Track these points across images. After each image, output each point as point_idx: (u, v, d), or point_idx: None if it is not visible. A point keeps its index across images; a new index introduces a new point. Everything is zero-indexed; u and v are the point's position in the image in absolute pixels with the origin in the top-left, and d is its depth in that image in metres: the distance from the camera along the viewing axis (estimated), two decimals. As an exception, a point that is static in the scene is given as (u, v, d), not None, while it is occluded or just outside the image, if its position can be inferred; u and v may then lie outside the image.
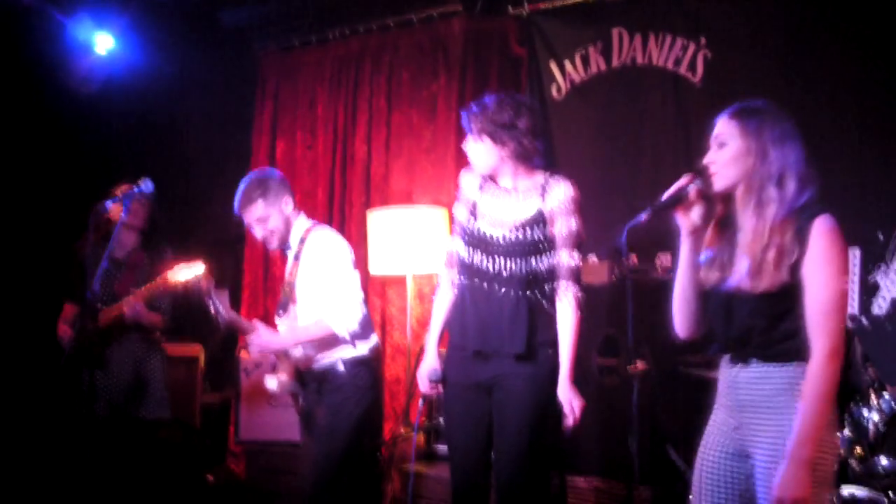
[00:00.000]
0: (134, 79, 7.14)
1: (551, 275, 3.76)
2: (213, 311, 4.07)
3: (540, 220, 3.75)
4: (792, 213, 2.72)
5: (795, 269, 2.68)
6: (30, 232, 6.73)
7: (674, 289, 2.99)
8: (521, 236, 3.76)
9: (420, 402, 4.06)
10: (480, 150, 3.81)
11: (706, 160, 2.87)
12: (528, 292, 3.73)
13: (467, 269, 3.87)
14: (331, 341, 4.16)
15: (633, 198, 5.65)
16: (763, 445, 2.74)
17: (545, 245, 3.76)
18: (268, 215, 4.21)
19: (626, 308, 4.85)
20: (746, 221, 2.78)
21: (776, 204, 2.73)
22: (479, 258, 3.82)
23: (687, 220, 2.88)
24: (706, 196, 2.85)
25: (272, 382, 4.21)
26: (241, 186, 4.29)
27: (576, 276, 3.77)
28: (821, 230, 2.68)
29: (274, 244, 4.28)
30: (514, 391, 3.70)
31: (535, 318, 3.73)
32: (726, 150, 2.82)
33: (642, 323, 4.79)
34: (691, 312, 2.98)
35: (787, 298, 2.70)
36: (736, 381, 2.84)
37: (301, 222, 4.32)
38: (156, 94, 7.32)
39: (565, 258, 3.76)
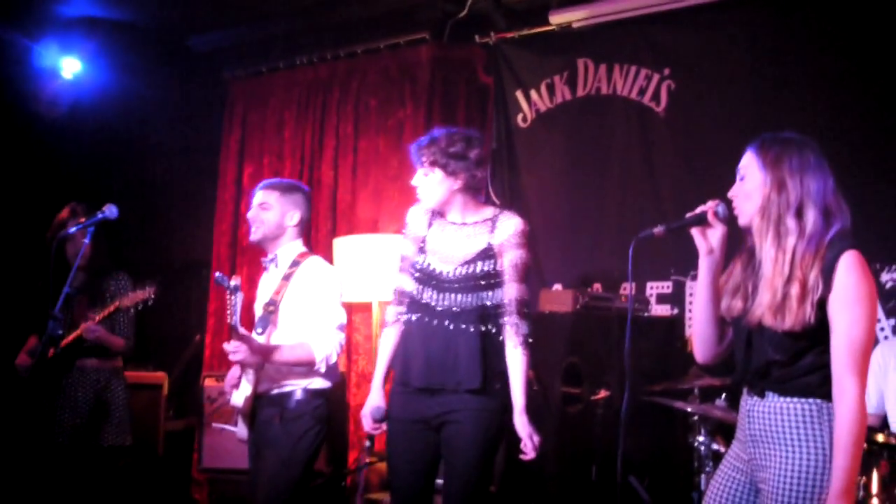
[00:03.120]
0: (101, 103, 7.15)
1: (501, 309, 3.73)
2: (229, 310, 3.98)
3: (490, 254, 3.72)
4: (818, 247, 2.64)
5: (821, 306, 2.60)
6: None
7: (693, 312, 2.96)
8: (470, 271, 3.72)
9: (367, 441, 4.02)
10: (431, 183, 3.77)
11: (729, 193, 2.84)
12: (480, 326, 3.70)
13: (416, 305, 3.83)
14: (298, 369, 4.13)
15: (599, 225, 5.70)
16: (772, 481, 2.67)
17: (495, 280, 3.73)
18: (271, 207, 4.20)
19: (590, 336, 4.91)
20: (766, 254, 2.71)
21: (795, 236, 2.66)
22: (428, 294, 3.78)
23: (704, 240, 2.85)
24: (729, 222, 2.82)
25: (238, 397, 4.14)
26: (281, 178, 4.49)
27: (522, 310, 3.72)
28: (848, 267, 2.59)
29: (256, 234, 4.22)
30: (463, 426, 3.65)
31: (488, 351, 3.70)
32: (746, 182, 2.78)
33: (606, 351, 4.85)
34: (708, 336, 2.93)
35: (810, 335, 2.63)
36: (750, 413, 2.79)
37: (296, 245, 4.29)
38: (123, 118, 7.32)
39: (512, 291, 3.72)
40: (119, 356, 5.12)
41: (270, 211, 4.21)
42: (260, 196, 4.25)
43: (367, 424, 3.93)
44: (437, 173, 3.74)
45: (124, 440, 5.05)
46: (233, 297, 3.91)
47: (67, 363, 4.89)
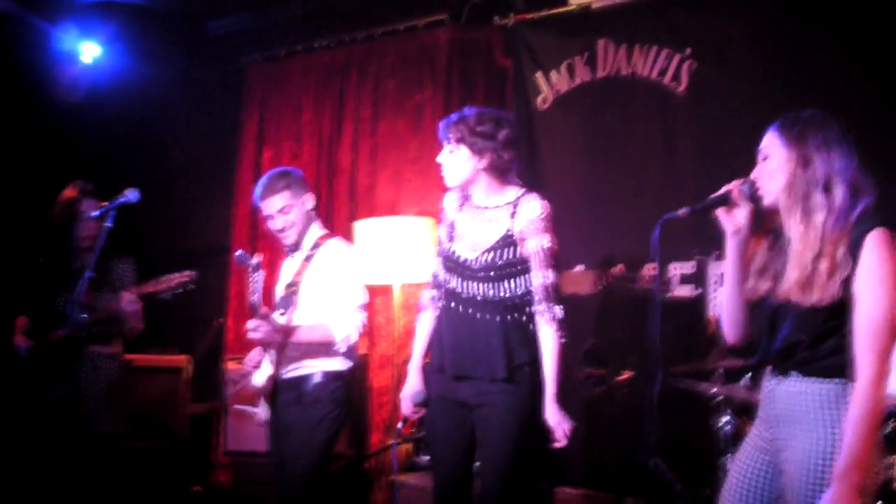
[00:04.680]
0: (119, 88, 7.14)
1: (528, 297, 3.70)
2: (251, 287, 3.98)
3: (510, 241, 3.69)
4: (846, 224, 2.63)
5: (847, 284, 2.59)
6: (13, 242, 6.68)
7: (721, 292, 2.94)
8: (491, 260, 3.70)
9: (400, 424, 4.02)
10: (456, 160, 3.75)
11: (753, 174, 2.82)
12: (506, 316, 3.68)
13: (445, 291, 3.83)
14: (318, 350, 4.13)
15: (620, 206, 5.68)
16: (794, 463, 2.66)
17: (518, 267, 3.70)
18: (290, 207, 4.18)
19: (612, 318, 4.91)
20: (795, 230, 2.70)
21: (824, 211, 2.65)
22: (455, 282, 3.77)
23: (731, 220, 2.82)
24: (755, 200, 2.80)
25: (259, 377, 4.15)
26: (264, 179, 4.26)
27: (553, 295, 3.69)
28: (875, 244, 2.58)
29: (292, 237, 4.22)
30: (495, 410, 3.65)
31: (512, 341, 3.67)
32: (769, 161, 2.77)
33: (629, 332, 4.84)
34: (737, 316, 2.91)
35: (835, 314, 2.62)
36: (773, 393, 2.77)
37: (316, 227, 4.30)
38: (141, 103, 7.31)
39: (540, 278, 3.68)
40: (119, 342, 5.02)
41: (291, 212, 4.20)
42: (272, 205, 4.19)
43: (406, 408, 3.92)
44: (464, 151, 3.71)
45: (117, 428, 4.93)
46: (254, 275, 3.91)
47: (75, 349, 4.70)
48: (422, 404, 3.87)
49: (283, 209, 4.18)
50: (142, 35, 7.02)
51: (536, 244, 3.68)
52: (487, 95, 6.22)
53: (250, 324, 3.98)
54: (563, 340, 3.68)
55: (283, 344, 4.07)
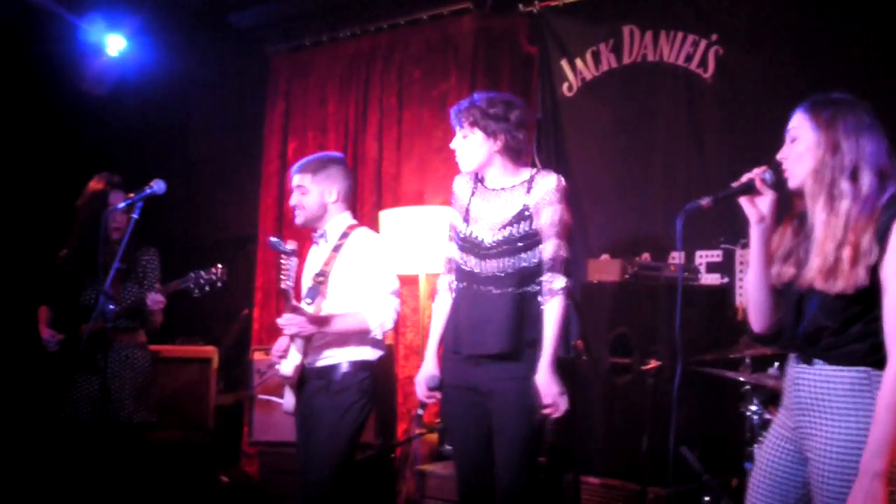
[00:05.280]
0: (145, 80, 7.17)
1: (540, 267, 3.71)
2: (284, 273, 4.01)
3: (525, 214, 3.70)
4: (873, 210, 2.57)
5: (874, 270, 2.54)
6: (41, 234, 6.73)
7: (747, 281, 2.91)
8: (507, 234, 3.71)
9: (419, 410, 4.01)
10: (470, 144, 3.77)
11: (779, 155, 2.77)
12: (518, 288, 3.69)
13: (462, 273, 3.84)
14: (349, 338, 4.14)
15: (646, 193, 5.66)
16: (818, 450, 2.63)
17: (532, 239, 3.70)
18: (308, 191, 4.23)
19: (638, 306, 4.87)
20: (818, 217, 2.65)
21: (850, 199, 2.59)
22: (472, 262, 3.78)
23: (754, 209, 2.79)
24: (778, 187, 2.76)
25: (287, 366, 4.15)
26: (311, 156, 4.41)
27: (564, 266, 3.70)
28: None
29: (299, 219, 4.28)
30: (506, 396, 3.65)
31: (523, 315, 3.68)
32: (797, 144, 2.71)
33: (655, 321, 4.80)
34: (764, 305, 2.88)
35: (862, 301, 2.57)
36: (797, 380, 2.73)
37: (344, 217, 4.32)
38: (167, 95, 7.35)
39: (552, 248, 3.68)
40: (142, 330, 5.01)
41: (308, 194, 4.25)
42: (296, 179, 4.28)
43: (421, 392, 3.93)
44: (477, 134, 3.74)
45: (150, 416, 4.97)
46: (288, 261, 3.94)
47: (103, 339, 4.54)
48: (437, 388, 3.87)
49: (302, 188, 4.25)
50: (167, 27, 7.04)
51: (549, 215, 3.70)
52: (513, 83, 6.20)
53: (283, 319, 4.01)
54: (563, 306, 3.68)
55: (313, 334, 4.09)
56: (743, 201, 2.81)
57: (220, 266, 4.75)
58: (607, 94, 5.90)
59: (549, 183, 3.72)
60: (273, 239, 4.02)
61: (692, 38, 5.53)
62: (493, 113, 3.72)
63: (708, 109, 5.48)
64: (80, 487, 4.70)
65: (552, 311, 3.67)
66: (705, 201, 2.80)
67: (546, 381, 3.63)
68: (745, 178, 2.80)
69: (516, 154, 3.79)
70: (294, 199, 4.28)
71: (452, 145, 3.86)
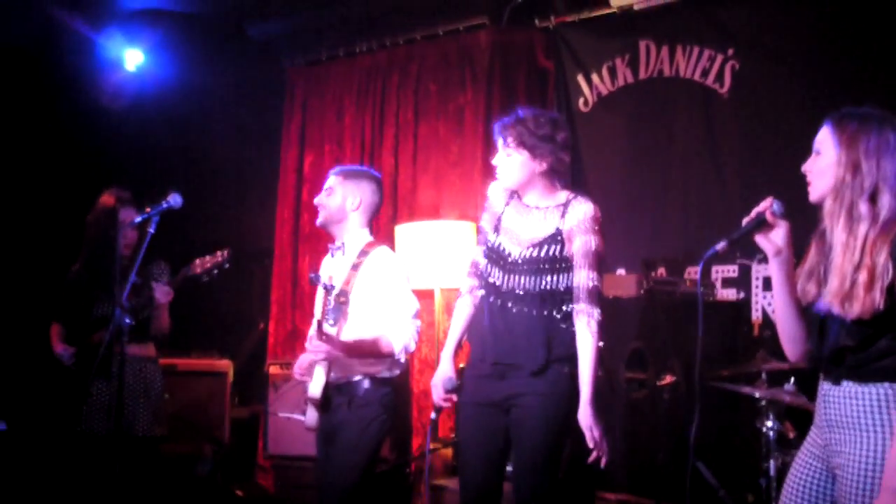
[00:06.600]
0: (163, 94, 7.20)
1: (568, 294, 3.65)
2: (322, 307, 4.07)
3: (558, 238, 3.65)
4: (889, 230, 2.56)
5: (891, 292, 2.52)
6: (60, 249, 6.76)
7: (775, 313, 2.87)
8: (535, 254, 3.66)
9: (432, 414, 3.96)
10: (514, 164, 3.70)
11: (804, 167, 2.76)
12: (542, 310, 3.64)
13: (485, 282, 3.81)
14: (373, 359, 4.16)
15: (662, 208, 5.64)
16: (847, 467, 2.61)
17: (562, 264, 3.65)
18: (334, 192, 4.27)
19: (655, 321, 4.87)
20: (837, 238, 2.63)
21: (867, 222, 2.58)
22: (496, 273, 3.74)
23: (769, 243, 2.75)
24: (787, 216, 2.73)
25: (315, 388, 4.15)
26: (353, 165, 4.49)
27: (595, 297, 3.63)
28: None
29: (319, 218, 4.32)
30: (530, 409, 3.61)
31: (551, 334, 3.63)
32: (821, 158, 2.69)
33: (671, 336, 4.80)
34: (794, 333, 2.84)
35: (882, 323, 2.55)
36: (826, 398, 2.71)
37: (363, 233, 4.32)
38: (184, 109, 7.37)
39: (583, 278, 3.62)
40: (152, 343, 5.04)
41: (332, 195, 4.27)
42: (329, 181, 4.33)
43: (437, 395, 3.84)
44: (523, 154, 3.67)
45: (161, 430, 4.98)
46: (327, 297, 4.05)
47: (116, 352, 4.48)
48: (453, 391, 3.80)
49: (330, 189, 4.29)
50: (185, 42, 7.08)
51: (583, 243, 3.63)
52: (528, 97, 6.20)
53: (312, 345, 4.05)
54: (601, 344, 3.63)
55: (333, 358, 4.11)
56: (758, 238, 2.77)
57: (224, 250, 4.79)
58: (623, 109, 5.90)
59: (585, 211, 3.65)
60: (313, 275, 4.05)
61: (708, 52, 5.53)
62: (542, 134, 3.64)
63: (724, 124, 5.47)
64: (95, 501, 4.70)
65: (590, 347, 3.59)
66: (720, 246, 2.75)
67: (589, 423, 3.55)
68: (754, 213, 2.76)
69: (559, 175, 3.76)
70: (319, 198, 4.31)
71: (495, 161, 3.78)
